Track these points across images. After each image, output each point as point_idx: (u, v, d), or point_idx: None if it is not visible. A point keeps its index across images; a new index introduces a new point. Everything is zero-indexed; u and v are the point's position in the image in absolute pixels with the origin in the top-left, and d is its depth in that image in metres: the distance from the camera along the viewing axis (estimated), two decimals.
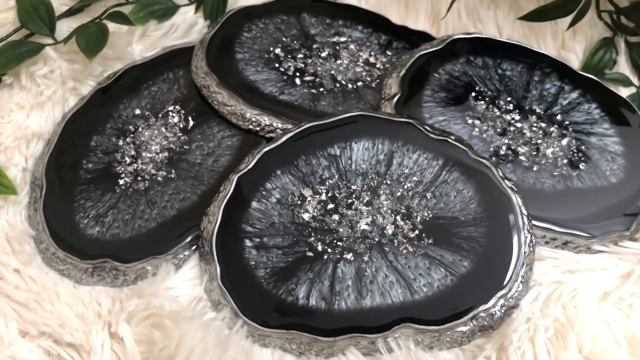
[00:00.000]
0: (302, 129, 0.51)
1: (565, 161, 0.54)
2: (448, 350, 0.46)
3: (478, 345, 0.46)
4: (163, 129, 0.55)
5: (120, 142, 0.54)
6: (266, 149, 0.51)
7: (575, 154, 0.54)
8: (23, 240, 0.48)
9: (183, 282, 0.48)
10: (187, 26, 0.60)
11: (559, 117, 0.56)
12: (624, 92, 0.60)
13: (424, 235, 0.48)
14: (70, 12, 0.60)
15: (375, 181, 0.50)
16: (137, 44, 0.59)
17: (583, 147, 0.55)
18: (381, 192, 0.50)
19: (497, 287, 0.47)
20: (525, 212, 0.49)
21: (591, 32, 0.60)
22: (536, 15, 0.57)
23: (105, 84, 0.57)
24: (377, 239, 0.48)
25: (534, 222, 0.50)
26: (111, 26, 0.57)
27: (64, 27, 0.60)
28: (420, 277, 0.47)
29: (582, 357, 0.44)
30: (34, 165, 0.53)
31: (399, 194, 0.50)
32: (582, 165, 0.54)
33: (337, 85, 0.57)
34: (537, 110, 0.56)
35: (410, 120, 0.52)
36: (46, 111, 0.55)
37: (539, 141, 0.54)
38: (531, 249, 0.48)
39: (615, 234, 0.51)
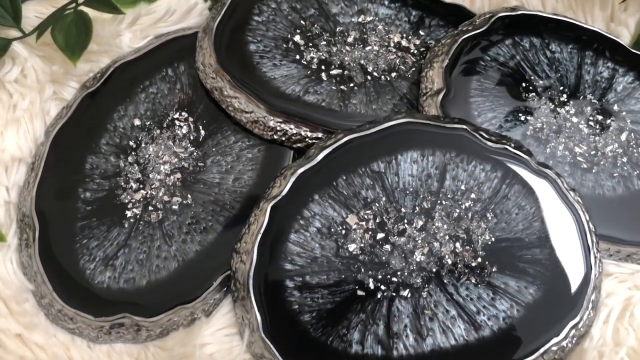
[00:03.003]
0: (340, 142, 0.44)
1: (625, 159, 0.49)
2: None
3: None
4: (171, 143, 0.46)
5: (122, 163, 0.45)
6: (301, 169, 0.43)
7: (635, 150, 0.49)
8: (21, 298, 0.40)
9: (216, 333, 0.41)
10: (185, 9, 0.50)
11: (615, 106, 0.50)
12: None
13: (487, 263, 0.43)
14: None
15: (429, 202, 0.44)
16: (126, 32, 0.49)
17: None
18: (436, 214, 0.44)
19: (567, 316, 0.42)
20: (593, 229, 0.44)
21: None
22: None
23: (93, 87, 0.47)
24: (434, 270, 0.43)
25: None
26: (92, 12, 0.47)
27: (30, 13, 0.49)
28: (484, 310, 0.42)
29: None
30: (19, 197, 0.44)
31: (455, 214, 0.44)
32: None
33: (369, 78, 0.49)
34: (592, 100, 0.50)
35: (464, 126, 0.45)
36: (24, 126, 0.45)
37: (597, 138, 0.49)
38: (600, 270, 0.44)
39: None
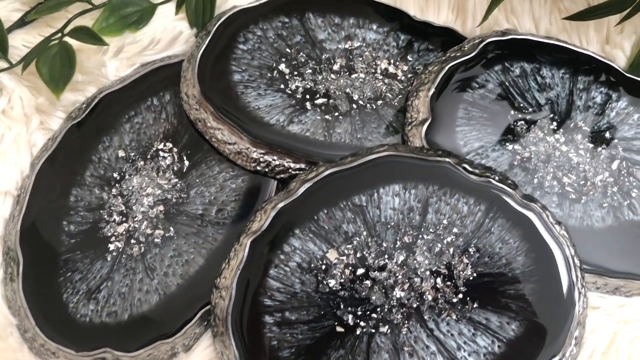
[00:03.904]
0: (321, 176, 0.44)
1: (615, 189, 0.48)
2: None
3: None
4: (154, 174, 0.46)
5: (105, 195, 0.45)
6: (281, 204, 0.43)
7: (626, 179, 0.48)
8: (5, 333, 0.41)
9: None
10: (170, 38, 0.50)
11: (607, 134, 0.49)
12: None
13: (468, 299, 0.42)
14: (24, 22, 0.50)
15: (410, 236, 0.43)
16: (112, 61, 0.49)
17: (634, 168, 0.48)
18: (417, 249, 0.43)
19: (549, 352, 0.42)
20: (578, 264, 0.43)
21: None
22: (583, 15, 0.49)
23: (79, 118, 0.47)
24: (415, 306, 0.42)
25: (584, 266, 0.45)
26: (77, 42, 0.47)
27: (18, 42, 0.49)
28: (464, 346, 0.42)
29: None
30: (5, 230, 0.45)
31: (437, 249, 0.43)
32: (634, 192, 0.48)
33: (354, 106, 0.48)
34: (584, 127, 0.49)
35: (446, 158, 0.44)
36: (10, 158, 0.46)
37: (587, 167, 0.48)
38: (585, 306, 0.43)
39: None
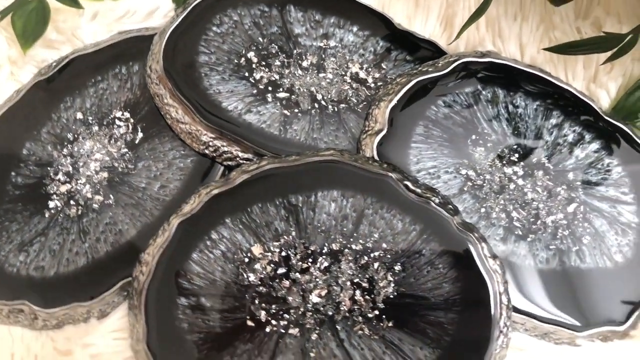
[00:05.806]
0: (261, 170, 0.44)
1: (566, 232, 0.46)
2: None
3: None
4: (106, 142, 0.47)
5: (56, 154, 0.47)
6: (216, 190, 0.43)
7: (580, 224, 0.46)
8: None
9: (107, 335, 0.42)
10: (150, 9, 0.50)
11: (570, 175, 0.48)
12: None
13: (384, 316, 0.42)
14: None
15: (339, 244, 0.43)
16: (90, 24, 0.50)
17: (592, 214, 0.47)
18: (343, 257, 0.43)
19: None
20: (505, 302, 0.42)
21: (632, 66, 0.50)
22: (564, 49, 0.47)
23: (47, 75, 0.48)
24: (330, 314, 0.42)
25: (514, 304, 0.44)
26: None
27: None
28: None
29: None
30: None
31: (363, 262, 0.43)
32: (585, 239, 0.46)
33: (316, 105, 0.48)
34: (547, 164, 0.48)
35: (389, 173, 0.44)
36: None
37: (541, 205, 0.46)
38: (504, 346, 0.42)
39: (607, 327, 0.45)
